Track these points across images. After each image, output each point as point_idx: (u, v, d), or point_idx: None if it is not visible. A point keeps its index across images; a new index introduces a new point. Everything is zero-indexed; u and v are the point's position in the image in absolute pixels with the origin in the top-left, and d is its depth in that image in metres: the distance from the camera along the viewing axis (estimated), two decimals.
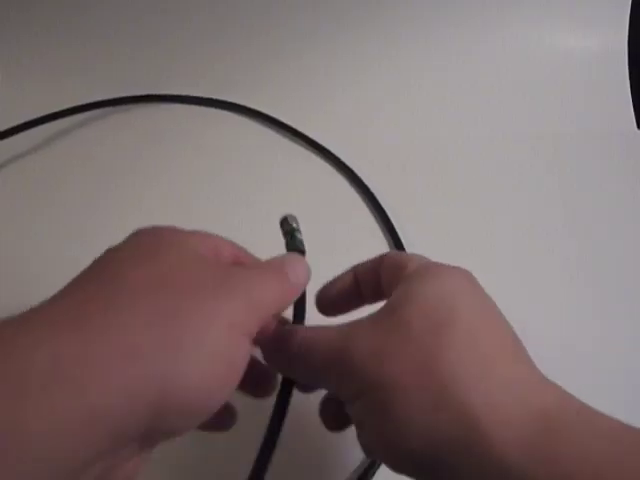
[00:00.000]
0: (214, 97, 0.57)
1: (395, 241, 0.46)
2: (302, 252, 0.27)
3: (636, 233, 0.48)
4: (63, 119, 0.53)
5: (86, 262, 0.22)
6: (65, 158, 0.53)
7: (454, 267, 0.25)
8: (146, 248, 0.22)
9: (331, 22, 0.59)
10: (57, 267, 0.42)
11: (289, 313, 0.27)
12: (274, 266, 0.24)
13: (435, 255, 0.44)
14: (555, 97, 0.59)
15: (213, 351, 0.20)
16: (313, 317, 0.28)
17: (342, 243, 0.45)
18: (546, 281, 0.45)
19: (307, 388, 0.27)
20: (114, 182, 0.51)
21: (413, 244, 0.46)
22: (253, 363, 0.24)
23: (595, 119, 0.57)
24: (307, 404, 0.28)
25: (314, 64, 0.59)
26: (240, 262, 0.26)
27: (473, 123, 0.57)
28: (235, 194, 0.50)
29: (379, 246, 0.46)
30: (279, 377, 0.26)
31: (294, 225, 0.28)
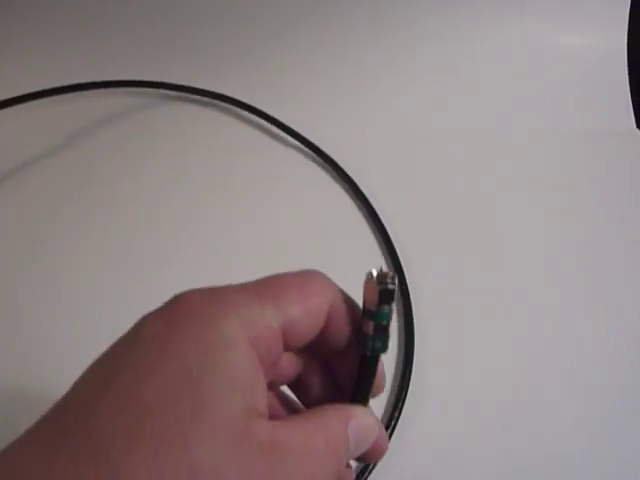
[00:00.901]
0: (215, 90, 0.57)
1: (389, 249, 0.46)
2: (384, 349, 0.21)
3: (636, 233, 0.48)
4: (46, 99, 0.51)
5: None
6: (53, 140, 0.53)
7: None
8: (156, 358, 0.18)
9: (333, 23, 0.59)
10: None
11: None
12: (331, 438, 0.19)
13: (433, 261, 0.44)
14: (555, 97, 0.59)
15: None
16: None
17: (334, 247, 0.45)
18: (546, 281, 0.44)
19: None
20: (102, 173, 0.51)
21: (406, 246, 0.46)
22: None
23: (595, 119, 0.57)
24: None
25: (314, 64, 0.59)
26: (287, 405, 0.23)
27: (473, 123, 0.56)
28: (223, 192, 0.50)
29: (372, 251, 0.46)
30: None
31: (392, 286, 0.21)
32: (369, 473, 0.33)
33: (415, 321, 0.41)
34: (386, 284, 0.20)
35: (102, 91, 0.54)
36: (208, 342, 0.18)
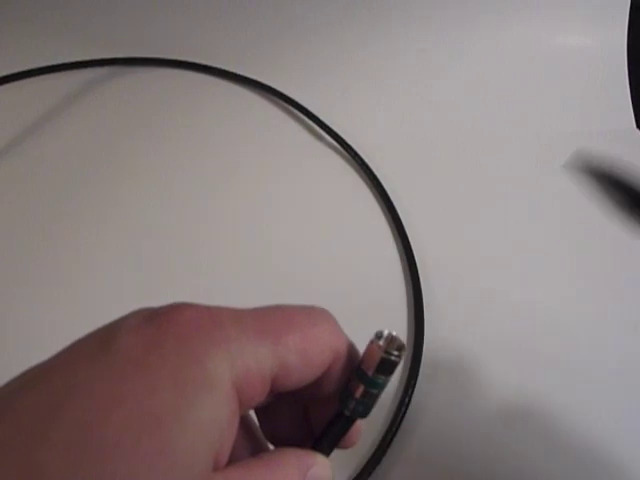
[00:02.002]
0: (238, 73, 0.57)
1: (402, 237, 0.47)
2: (364, 415, 0.20)
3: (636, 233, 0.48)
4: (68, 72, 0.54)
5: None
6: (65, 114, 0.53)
7: None
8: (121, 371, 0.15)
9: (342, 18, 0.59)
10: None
11: None
12: None
13: (440, 249, 0.45)
14: (555, 97, 0.59)
15: None
16: None
17: (346, 233, 0.46)
18: (545, 281, 0.45)
19: None
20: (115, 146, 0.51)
21: (418, 233, 0.47)
22: None
23: (595, 119, 0.57)
24: None
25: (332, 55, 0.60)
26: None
27: (472, 123, 0.57)
28: (234, 172, 0.51)
29: (387, 245, 0.47)
30: None
31: (396, 359, 0.19)
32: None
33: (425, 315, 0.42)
34: (391, 354, 0.18)
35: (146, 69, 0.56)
36: (188, 379, 0.16)
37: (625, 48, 0.59)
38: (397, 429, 0.36)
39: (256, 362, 0.17)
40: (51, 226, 0.46)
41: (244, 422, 0.21)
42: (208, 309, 0.17)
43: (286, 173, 0.51)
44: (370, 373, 0.18)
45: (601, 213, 0.50)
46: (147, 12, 0.60)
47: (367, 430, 0.36)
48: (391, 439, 0.36)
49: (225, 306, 0.18)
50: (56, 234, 0.46)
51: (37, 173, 0.49)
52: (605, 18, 0.60)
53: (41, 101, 0.54)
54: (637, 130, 0.57)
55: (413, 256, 0.45)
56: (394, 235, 0.47)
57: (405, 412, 0.37)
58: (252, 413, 0.21)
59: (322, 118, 0.54)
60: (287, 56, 0.59)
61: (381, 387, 0.19)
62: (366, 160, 0.51)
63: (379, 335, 0.19)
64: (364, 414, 0.19)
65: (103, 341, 0.16)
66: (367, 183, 0.51)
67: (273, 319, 0.18)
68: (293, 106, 0.55)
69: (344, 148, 0.52)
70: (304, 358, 0.18)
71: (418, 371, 0.39)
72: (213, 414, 0.16)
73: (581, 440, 0.37)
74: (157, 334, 0.16)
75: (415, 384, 0.38)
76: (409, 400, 0.37)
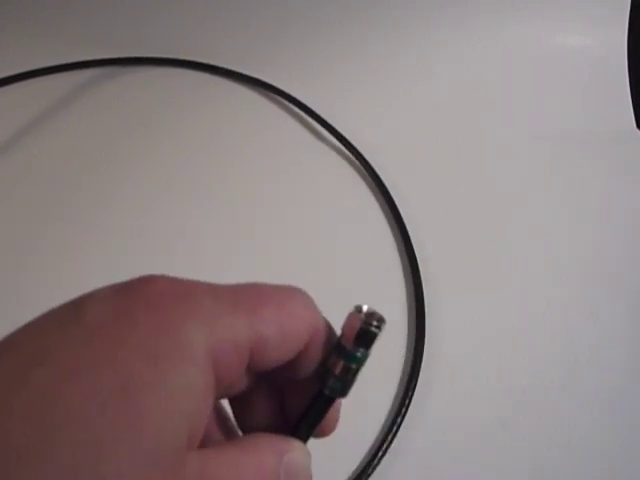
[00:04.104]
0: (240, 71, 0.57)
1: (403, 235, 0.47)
2: (343, 394, 0.19)
3: (636, 233, 0.48)
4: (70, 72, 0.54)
5: None
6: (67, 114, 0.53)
7: None
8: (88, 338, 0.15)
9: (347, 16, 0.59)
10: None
11: None
12: (262, 474, 0.17)
13: (441, 248, 0.45)
14: (555, 97, 0.59)
15: None
16: None
17: (348, 235, 0.46)
18: (546, 280, 0.45)
19: None
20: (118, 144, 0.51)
21: (419, 232, 0.47)
22: None
23: (595, 119, 0.58)
24: None
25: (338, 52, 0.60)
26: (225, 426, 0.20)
27: (472, 122, 0.57)
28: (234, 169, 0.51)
29: (388, 244, 0.47)
30: None
31: (375, 330, 0.18)
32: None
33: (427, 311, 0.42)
34: (370, 325, 0.18)
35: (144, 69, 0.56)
36: (160, 347, 0.15)
37: (625, 48, 0.60)
38: (397, 430, 0.36)
39: (232, 334, 0.16)
40: (51, 226, 0.46)
41: (218, 412, 0.20)
42: (182, 281, 0.17)
43: (287, 171, 0.51)
44: (349, 346, 0.18)
45: (601, 211, 0.50)
46: (147, 11, 0.60)
47: (367, 430, 0.36)
48: (391, 440, 0.36)
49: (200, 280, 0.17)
50: (56, 234, 0.45)
51: (37, 173, 0.49)
52: (605, 18, 0.60)
53: (41, 101, 0.54)
54: (637, 130, 0.57)
55: (414, 255, 0.45)
56: (395, 234, 0.47)
57: (405, 412, 0.37)
58: (226, 406, 0.21)
59: (324, 116, 0.54)
60: (288, 54, 0.59)
61: (360, 362, 0.18)
62: (367, 158, 0.51)
63: (359, 309, 0.19)
64: (343, 392, 0.19)
65: (72, 311, 0.16)
66: (368, 182, 0.51)
67: (249, 293, 0.18)
68: (294, 104, 0.55)
69: (346, 147, 0.52)
70: (281, 332, 0.17)
71: (419, 372, 0.39)
72: (186, 385, 0.15)
73: (581, 441, 0.37)
74: (128, 304, 0.16)
75: (415, 385, 0.38)
76: (409, 401, 0.37)
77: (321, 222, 0.48)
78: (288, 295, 0.18)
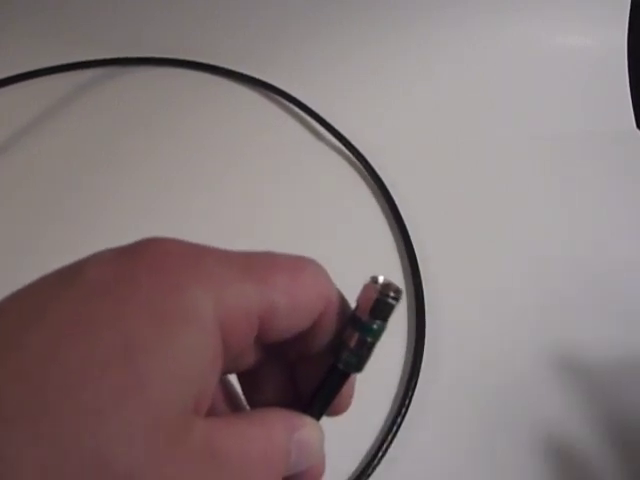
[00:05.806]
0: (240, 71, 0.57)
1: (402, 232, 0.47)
2: (358, 369, 0.18)
3: (636, 233, 0.49)
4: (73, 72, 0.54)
5: None
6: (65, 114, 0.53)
7: None
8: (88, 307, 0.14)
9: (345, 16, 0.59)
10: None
11: None
12: (272, 448, 0.16)
13: (442, 248, 0.45)
14: (555, 97, 0.59)
15: None
16: None
17: (349, 236, 0.46)
18: (546, 280, 0.45)
19: None
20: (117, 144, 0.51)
21: (420, 231, 0.47)
22: None
23: (595, 119, 0.58)
24: None
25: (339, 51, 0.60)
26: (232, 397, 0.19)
27: (472, 122, 0.57)
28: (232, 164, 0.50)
29: (388, 243, 0.47)
30: None
31: (392, 301, 0.18)
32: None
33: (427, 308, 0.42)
34: (387, 296, 0.17)
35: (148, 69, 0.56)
36: (165, 309, 0.14)
37: (625, 48, 0.60)
38: (397, 430, 0.36)
39: (242, 299, 0.15)
40: (51, 226, 0.46)
41: (226, 389, 0.19)
42: (190, 244, 0.16)
43: (287, 171, 0.51)
44: (365, 318, 0.17)
45: (601, 211, 0.50)
46: (147, 11, 0.60)
47: (367, 430, 0.36)
48: (391, 440, 0.36)
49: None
50: (56, 234, 0.45)
51: (37, 173, 0.49)
52: (605, 18, 0.60)
53: (41, 101, 0.54)
54: (637, 130, 0.57)
55: (414, 255, 0.45)
56: (395, 234, 0.47)
57: (406, 412, 0.37)
58: (235, 382, 0.20)
59: (324, 116, 0.54)
60: (288, 54, 0.59)
61: (376, 334, 0.18)
62: (368, 158, 0.51)
63: (375, 279, 0.18)
64: (358, 367, 0.18)
65: (71, 272, 0.15)
66: (368, 182, 0.51)
67: (261, 261, 0.17)
68: (294, 104, 0.55)
69: (346, 146, 0.52)
70: (292, 301, 0.16)
71: (419, 372, 0.39)
72: (192, 347, 0.14)
73: (581, 442, 0.37)
74: (130, 265, 0.15)
75: (416, 383, 0.38)
76: (409, 401, 0.37)
77: (321, 222, 0.48)
78: (301, 265, 0.17)
